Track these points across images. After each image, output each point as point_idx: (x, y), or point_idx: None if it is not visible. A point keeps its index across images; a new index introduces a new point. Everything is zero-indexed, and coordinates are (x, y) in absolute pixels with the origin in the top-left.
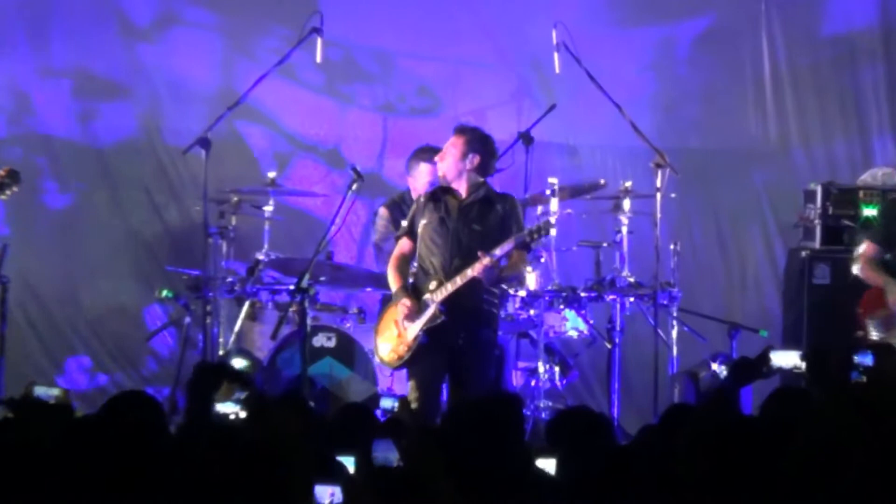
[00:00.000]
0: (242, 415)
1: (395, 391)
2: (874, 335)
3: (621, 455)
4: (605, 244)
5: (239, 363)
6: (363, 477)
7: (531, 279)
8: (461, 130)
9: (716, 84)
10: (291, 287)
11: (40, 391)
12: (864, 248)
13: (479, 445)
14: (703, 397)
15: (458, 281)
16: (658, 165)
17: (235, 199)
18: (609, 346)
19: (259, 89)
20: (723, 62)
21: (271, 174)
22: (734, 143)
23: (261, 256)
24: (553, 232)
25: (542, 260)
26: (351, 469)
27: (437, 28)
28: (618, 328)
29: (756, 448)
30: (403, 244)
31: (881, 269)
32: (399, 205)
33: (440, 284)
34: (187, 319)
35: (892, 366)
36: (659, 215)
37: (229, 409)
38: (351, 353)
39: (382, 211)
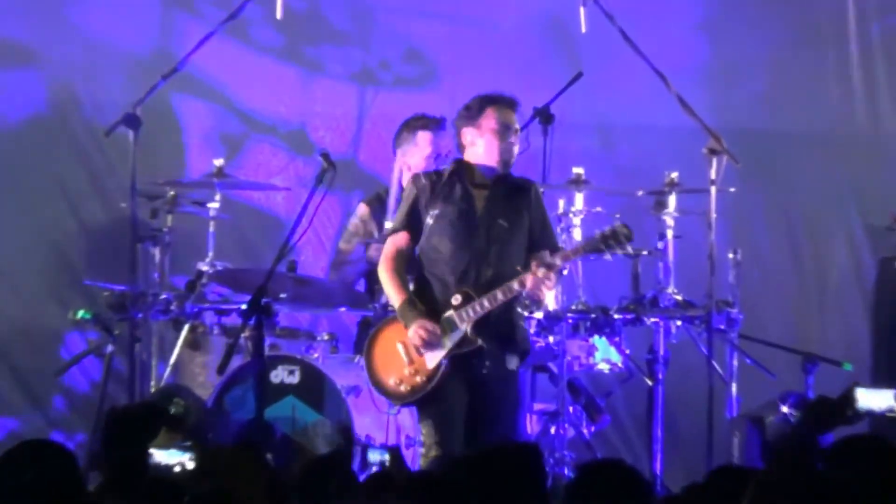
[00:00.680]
0: (192, 465)
1: (374, 440)
2: None
3: None
4: (644, 252)
5: (175, 404)
6: None
7: (550, 297)
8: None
9: (786, 49)
10: (243, 306)
11: None
12: None
13: None
14: (770, 449)
15: (500, 297)
16: (713, 152)
17: (172, 193)
18: (650, 382)
19: (203, 53)
20: (795, 22)
21: (218, 162)
22: (810, 125)
23: (204, 267)
24: (629, 248)
25: (565, 272)
26: None
27: None
28: (661, 360)
29: None
30: (400, 240)
31: None
32: (385, 202)
33: (467, 299)
34: (110, 347)
35: None
36: (714, 215)
37: (174, 458)
38: (319, 390)
39: (361, 209)
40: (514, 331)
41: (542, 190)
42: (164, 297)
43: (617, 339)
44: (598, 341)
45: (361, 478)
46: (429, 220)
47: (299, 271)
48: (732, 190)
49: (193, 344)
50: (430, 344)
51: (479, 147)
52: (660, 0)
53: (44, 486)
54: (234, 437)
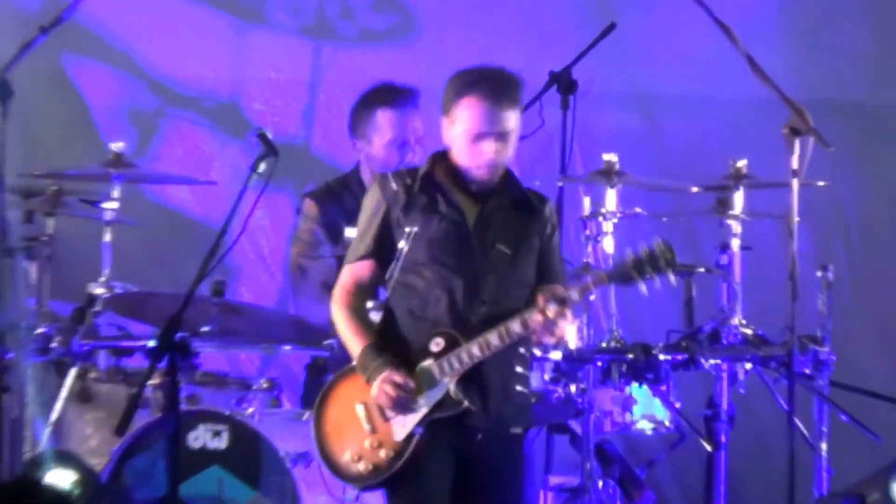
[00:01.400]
0: None
1: None
2: None
3: None
4: (700, 269)
5: (59, 477)
6: None
7: (571, 332)
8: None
9: None
10: (151, 343)
11: None
12: None
13: None
14: None
15: (495, 342)
16: (795, 132)
17: (55, 188)
18: (709, 447)
19: (105, 1)
20: None
21: (117, 146)
22: None
23: (98, 290)
24: (672, 278)
25: (593, 297)
26: None
27: None
28: (724, 416)
29: None
30: (362, 270)
31: None
32: (338, 194)
33: (451, 344)
34: None
35: None
36: (796, 219)
37: None
38: (255, 459)
39: (308, 206)
40: (515, 382)
41: (553, 207)
42: (42, 330)
43: (663, 388)
44: (638, 391)
45: None
46: (402, 243)
47: (229, 295)
48: (822, 184)
49: (83, 394)
50: (400, 405)
51: (454, 146)
52: None
53: None
54: None
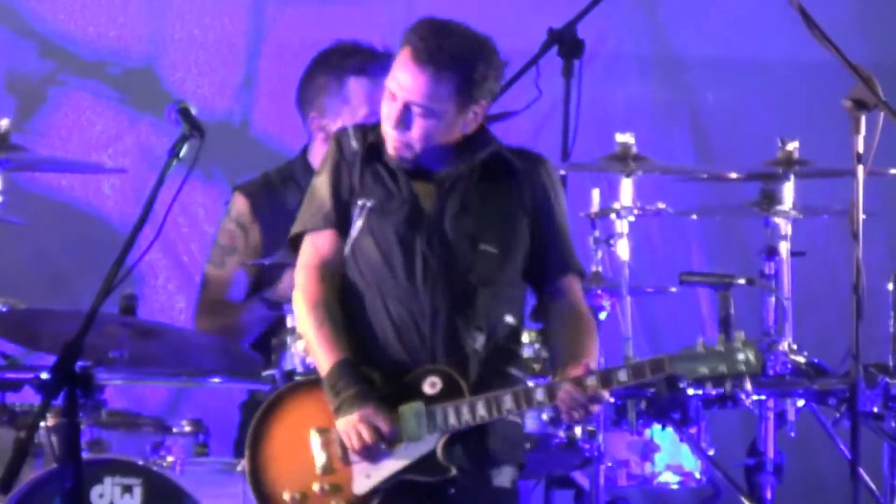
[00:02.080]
0: None
1: None
2: None
3: None
4: (741, 280)
5: None
6: None
7: None
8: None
9: None
10: (44, 375)
11: None
12: None
13: None
14: None
15: (509, 406)
16: (860, 105)
17: None
18: None
19: None
20: None
21: (1, 123)
22: None
23: None
24: (749, 384)
25: (604, 316)
26: None
27: None
28: (769, 467)
29: None
30: (324, 242)
31: None
32: (278, 188)
33: (450, 388)
34: None
35: None
36: (862, 216)
37: None
38: None
39: (235, 201)
40: (504, 429)
41: (559, 173)
42: None
43: (693, 430)
44: (661, 436)
45: None
46: (356, 217)
47: (141, 314)
48: (895, 172)
49: None
50: (372, 452)
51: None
52: None
53: None
54: None
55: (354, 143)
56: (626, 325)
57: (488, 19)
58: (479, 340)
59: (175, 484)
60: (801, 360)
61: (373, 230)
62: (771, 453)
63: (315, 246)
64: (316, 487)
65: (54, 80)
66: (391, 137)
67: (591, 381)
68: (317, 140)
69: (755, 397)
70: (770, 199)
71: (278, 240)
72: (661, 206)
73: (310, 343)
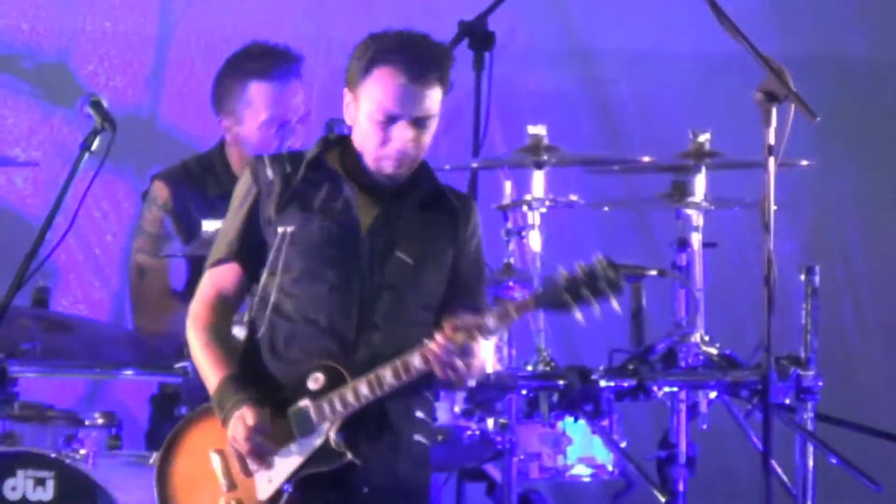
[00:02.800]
0: None
1: None
2: None
3: None
4: (652, 272)
5: None
6: None
7: (488, 350)
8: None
9: None
10: None
11: None
12: None
13: None
14: None
15: (389, 380)
16: (771, 97)
17: None
18: (663, 498)
19: None
20: None
21: None
22: None
23: None
24: (615, 302)
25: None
26: None
27: None
28: (682, 459)
29: None
30: (224, 277)
31: None
32: (197, 177)
33: (333, 381)
34: None
35: None
36: (773, 207)
37: None
38: None
39: (156, 189)
40: (413, 430)
41: (476, 210)
42: None
43: (605, 422)
44: (573, 428)
45: None
46: (276, 242)
47: (53, 306)
48: (806, 164)
49: None
50: (256, 454)
51: (357, 129)
52: None
53: None
54: None
55: (269, 172)
56: (536, 318)
57: (399, 11)
58: (376, 337)
59: (88, 476)
60: (714, 351)
61: (293, 249)
62: (683, 446)
63: (212, 280)
64: (218, 501)
65: None
66: (393, 157)
67: (460, 335)
68: (229, 140)
69: (667, 389)
70: (681, 191)
71: (193, 228)
72: (573, 198)
73: (199, 365)
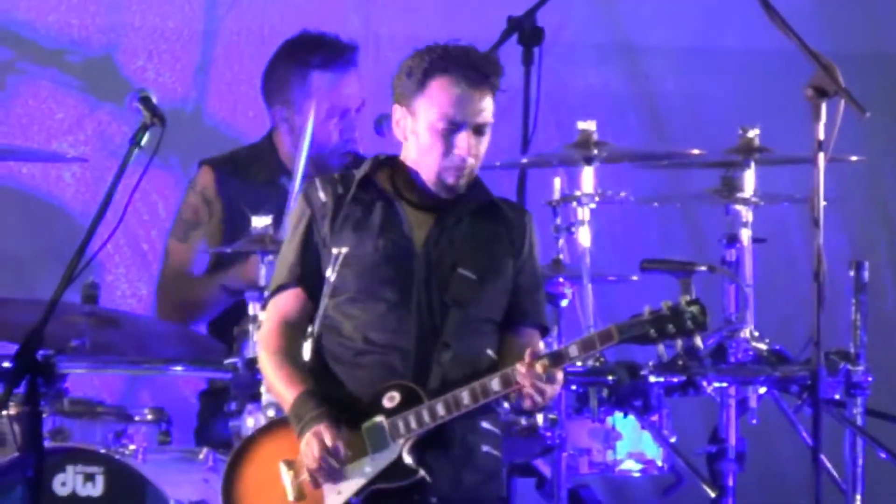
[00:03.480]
0: None
1: None
2: None
3: None
4: (702, 267)
5: None
6: None
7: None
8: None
9: None
10: (5, 364)
11: None
12: None
13: None
14: None
15: (466, 402)
16: (820, 93)
17: None
18: (713, 493)
19: None
20: None
21: None
22: None
23: None
24: (699, 340)
25: (565, 303)
26: None
27: None
28: (731, 454)
29: None
30: (288, 302)
31: None
32: (246, 166)
33: (409, 399)
34: None
35: None
36: (822, 203)
37: None
38: None
39: (202, 174)
40: (481, 441)
41: (532, 220)
42: None
43: (655, 418)
44: (623, 423)
45: None
46: (331, 263)
47: (103, 302)
48: (855, 159)
49: None
50: (333, 470)
51: (412, 144)
52: None
53: None
54: None
55: (322, 195)
56: (587, 313)
57: (449, 8)
58: (446, 356)
59: (137, 472)
60: (763, 347)
61: (348, 270)
62: (732, 441)
63: (277, 307)
64: None
65: (14, 68)
66: (456, 167)
67: (544, 362)
68: (281, 129)
69: (717, 384)
70: (731, 187)
71: (241, 219)
72: (623, 194)
73: (273, 387)
